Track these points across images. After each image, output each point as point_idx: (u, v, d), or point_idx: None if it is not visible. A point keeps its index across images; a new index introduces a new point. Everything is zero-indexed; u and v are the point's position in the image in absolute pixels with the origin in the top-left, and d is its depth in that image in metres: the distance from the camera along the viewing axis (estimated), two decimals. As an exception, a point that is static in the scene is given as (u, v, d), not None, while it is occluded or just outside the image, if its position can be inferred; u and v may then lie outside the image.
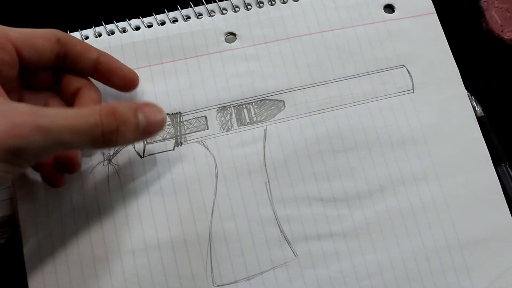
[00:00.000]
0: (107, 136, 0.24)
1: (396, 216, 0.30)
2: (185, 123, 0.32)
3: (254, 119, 0.32)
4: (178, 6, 0.34)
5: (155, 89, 0.32)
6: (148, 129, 0.25)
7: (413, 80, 0.33)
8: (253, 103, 0.32)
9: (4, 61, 0.25)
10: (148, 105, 0.26)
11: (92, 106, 0.25)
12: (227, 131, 0.32)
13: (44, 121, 0.22)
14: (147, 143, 0.31)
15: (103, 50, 0.32)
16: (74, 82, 0.29)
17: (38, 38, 0.27)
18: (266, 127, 0.32)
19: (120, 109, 0.24)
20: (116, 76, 0.30)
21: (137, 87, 0.30)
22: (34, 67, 0.27)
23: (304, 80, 0.33)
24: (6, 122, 0.21)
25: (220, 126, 0.32)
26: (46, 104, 0.28)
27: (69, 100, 0.29)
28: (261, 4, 0.34)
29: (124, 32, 0.33)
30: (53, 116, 0.22)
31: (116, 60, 0.30)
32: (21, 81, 0.28)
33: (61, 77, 0.29)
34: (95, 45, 0.32)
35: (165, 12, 0.34)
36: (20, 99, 0.28)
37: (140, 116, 0.25)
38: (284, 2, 0.34)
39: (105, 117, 0.23)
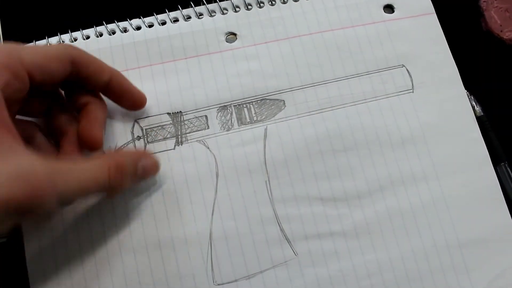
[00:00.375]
0: (111, 190, 0.26)
1: (395, 216, 0.30)
2: (185, 122, 0.32)
3: (255, 118, 0.32)
4: (179, 6, 0.34)
5: (156, 88, 0.32)
6: (143, 177, 0.28)
7: (413, 80, 0.33)
8: (254, 103, 0.32)
9: (16, 89, 0.24)
10: (146, 154, 0.29)
11: (102, 161, 0.25)
12: (227, 130, 0.32)
13: (61, 186, 0.22)
14: (148, 142, 0.31)
15: (104, 49, 0.32)
16: (82, 97, 0.29)
17: (52, 61, 0.26)
18: (267, 127, 0.32)
19: (126, 165, 0.26)
20: (126, 98, 0.30)
21: (144, 107, 0.31)
22: (41, 89, 0.27)
23: (304, 79, 0.33)
24: (25, 186, 0.21)
25: (220, 126, 0.32)
26: (32, 138, 0.28)
27: (74, 109, 0.29)
28: (261, 4, 0.34)
29: (125, 32, 0.33)
30: (68, 178, 0.23)
31: (127, 81, 0.30)
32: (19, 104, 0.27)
33: (69, 90, 0.29)
34: (96, 45, 0.33)
35: (166, 12, 0.34)
36: None
37: (139, 167, 0.27)
38: (284, 2, 0.35)
39: (113, 174, 0.25)
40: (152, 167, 0.29)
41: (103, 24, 0.33)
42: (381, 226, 0.30)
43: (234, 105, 0.32)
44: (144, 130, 0.31)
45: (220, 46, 0.33)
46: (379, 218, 0.30)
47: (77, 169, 0.24)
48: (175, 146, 0.31)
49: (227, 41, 0.33)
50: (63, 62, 0.26)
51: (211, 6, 0.34)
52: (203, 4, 0.34)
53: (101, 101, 0.29)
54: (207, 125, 0.32)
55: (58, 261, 0.29)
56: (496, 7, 0.37)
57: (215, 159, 0.31)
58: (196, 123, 0.32)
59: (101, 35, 0.33)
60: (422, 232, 0.30)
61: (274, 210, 0.30)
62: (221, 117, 0.32)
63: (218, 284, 0.29)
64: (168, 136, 0.31)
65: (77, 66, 0.27)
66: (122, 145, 0.31)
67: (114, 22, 0.33)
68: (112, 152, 0.30)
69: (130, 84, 0.30)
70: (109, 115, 0.31)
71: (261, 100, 0.32)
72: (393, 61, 0.33)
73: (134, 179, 0.27)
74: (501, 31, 0.36)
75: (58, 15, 0.37)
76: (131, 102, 0.30)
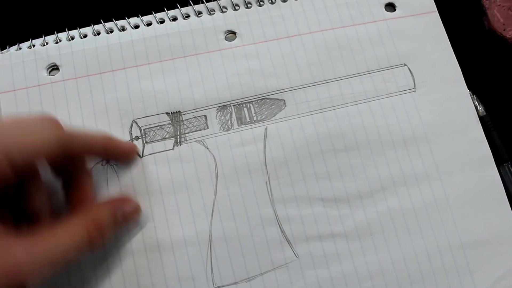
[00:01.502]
0: (91, 245, 0.26)
1: (397, 217, 0.30)
2: (184, 122, 0.31)
3: (255, 118, 0.32)
4: (178, 5, 0.34)
5: (154, 87, 0.32)
6: (123, 224, 0.28)
7: (415, 79, 0.33)
8: (254, 102, 0.32)
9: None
10: (124, 201, 0.29)
11: (79, 223, 0.25)
12: (227, 130, 0.31)
13: (39, 262, 0.23)
14: (146, 142, 0.31)
15: (101, 48, 0.32)
16: (68, 170, 0.28)
17: (39, 153, 0.23)
18: (267, 127, 0.31)
19: (103, 220, 0.26)
20: (117, 158, 0.30)
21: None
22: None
23: (305, 79, 0.32)
24: (5, 274, 0.22)
25: (220, 126, 0.31)
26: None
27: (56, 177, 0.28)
28: (261, 3, 0.34)
29: (123, 31, 0.33)
30: (45, 250, 0.23)
31: (118, 143, 0.30)
32: None
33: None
34: (93, 44, 0.32)
35: (165, 11, 0.34)
36: None
37: (118, 215, 0.27)
38: (284, 1, 0.34)
39: (92, 232, 0.25)
40: (132, 213, 0.29)
41: (101, 23, 0.33)
42: (382, 227, 0.30)
43: (233, 105, 0.32)
44: (142, 130, 0.31)
45: (219, 45, 0.33)
46: (381, 218, 0.30)
47: (54, 238, 0.24)
48: (174, 146, 0.31)
49: (226, 40, 0.33)
50: (50, 149, 0.24)
51: (210, 5, 0.34)
52: (202, 2, 0.34)
53: (87, 172, 0.29)
54: (206, 125, 0.31)
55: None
56: (499, 5, 0.36)
57: (215, 159, 0.31)
58: (195, 123, 0.31)
59: (98, 33, 0.33)
60: (424, 232, 0.30)
61: (274, 211, 0.30)
62: (221, 117, 0.31)
63: (218, 286, 0.29)
64: (167, 136, 0.31)
65: (65, 149, 0.25)
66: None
67: (112, 21, 0.33)
68: (89, 206, 0.28)
69: (120, 143, 0.30)
70: (107, 115, 0.31)
71: (261, 99, 0.32)
72: (395, 60, 0.33)
73: (114, 229, 0.28)
74: (504, 29, 0.36)
75: (56, 13, 0.36)
76: (121, 159, 0.30)
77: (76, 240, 0.25)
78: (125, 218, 0.28)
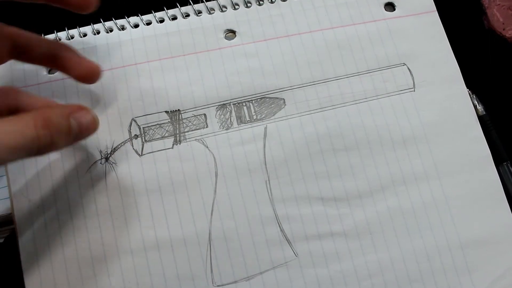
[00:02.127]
0: (42, 149, 0.24)
1: (397, 216, 0.30)
2: (184, 121, 0.31)
3: (254, 117, 0.32)
4: (177, 4, 0.34)
5: (153, 86, 0.32)
6: (79, 134, 0.26)
7: (414, 79, 0.33)
8: (253, 101, 0.32)
9: None
10: (80, 108, 0.26)
11: (28, 116, 0.24)
12: (226, 129, 0.31)
13: None
14: (146, 141, 0.31)
15: (100, 47, 0.32)
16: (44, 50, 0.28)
17: None
18: (266, 125, 0.31)
19: (54, 119, 0.24)
20: (74, 68, 0.29)
21: (98, 80, 0.29)
22: None
23: (305, 78, 0.32)
24: None
25: (219, 124, 0.31)
26: None
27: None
28: (261, 2, 0.34)
29: (123, 30, 0.33)
30: None
31: (73, 54, 0.29)
32: None
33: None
34: (93, 43, 0.32)
35: (164, 10, 0.34)
36: None
37: (73, 122, 0.25)
38: (284, 0, 0.34)
39: (41, 131, 0.23)
40: (89, 123, 0.26)
41: (101, 22, 0.33)
42: (382, 226, 0.30)
43: (233, 104, 0.32)
44: (141, 128, 0.31)
45: (219, 43, 0.33)
46: (380, 218, 0.30)
47: (1, 125, 0.23)
48: (173, 145, 0.31)
49: (226, 39, 0.33)
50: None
51: (210, 4, 0.34)
52: (202, 1, 0.34)
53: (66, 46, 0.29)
54: (206, 123, 0.31)
55: (54, 262, 0.28)
56: (499, 5, 0.37)
57: (214, 158, 0.31)
58: (195, 121, 0.31)
59: (98, 32, 0.33)
60: (424, 232, 0.30)
61: (274, 210, 0.30)
62: (220, 115, 0.31)
63: (218, 286, 0.29)
64: (166, 134, 0.31)
65: (10, 40, 0.26)
66: (118, 144, 0.31)
67: (112, 20, 0.33)
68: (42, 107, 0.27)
69: (76, 55, 0.29)
70: (106, 113, 0.31)
71: (261, 98, 0.32)
72: (394, 60, 0.33)
73: (68, 137, 0.25)
74: (504, 29, 0.36)
75: (54, 12, 0.36)
76: (81, 74, 0.29)
77: (24, 131, 0.23)
78: (81, 128, 0.26)
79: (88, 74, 0.29)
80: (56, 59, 0.29)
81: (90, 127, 0.26)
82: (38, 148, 0.24)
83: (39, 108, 0.26)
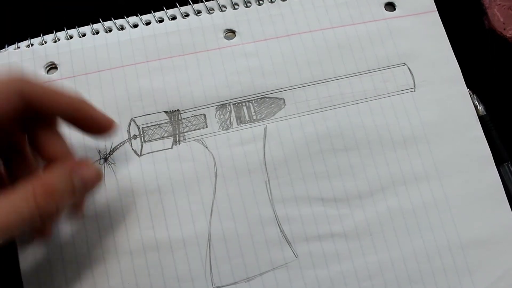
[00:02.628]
0: (46, 217, 0.22)
1: (397, 216, 0.30)
2: (183, 121, 0.31)
3: (254, 117, 0.31)
4: (177, 4, 0.34)
5: (152, 86, 0.32)
6: (84, 190, 0.24)
7: (415, 78, 0.33)
8: (253, 101, 0.32)
9: None
10: (81, 163, 0.24)
11: (24, 189, 0.21)
12: (226, 129, 0.31)
13: None
14: (145, 141, 0.31)
15: (100, 47, 0.32)
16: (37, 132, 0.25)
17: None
18: (266, 126, 0.31)
19: (55, 184, 0.22)
20: (88, 128, 0.26)
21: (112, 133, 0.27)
22: None
23: (305, 78, 0.32)
24: None
25: (219, 124, 0.31)
26: None
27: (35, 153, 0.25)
28: (260, 2, 0.34)
29: (122, 30, 0.33)
30: None
31: (93, 110, 0.25)
32: None
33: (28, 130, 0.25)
34: (92, 43, 0.32)
35: (164, 10, 0.34)
36: None
37: (76, 180, 0.23)
38: (284, 0, 0.34)
39: (42, 200, 0.21)
40: (92, 177, 0.24)
41: (100, 22, 0.33)
42: (382, 227, 0.30)
43: (233, 104, 0.32)
44: (140, 128, 0.31)
45: (218, 43, 0.33)
46: (380, 218, 0.30)
47: None
48: (172, 145, 0.31)
49: (225, 39, 0.33)
50: (10, 100, 0.22)
51: (210, 4, 0.34)
52: (201, 1, 0.34)
53: (57, 132, 0.26)
54: (206, 124, 0.31)
55: (52, 264, 0.28)
56: (499, 4, 0.36)
57: (214, 158, 0.30)
58: (194, 121, 0.31)
59: (97, 32, 0.33)
60: (424, 232, 0.30)
61: (274, 211, 0.30)
62: (220, 115, 0.31)
63: (217, 287, 0.29)
64: (166, 135, 0.31)
65: (28, 99, 0.23)
66: (117, 144, 0.31)
67: (111, 20, 0.33)
68: (39, 174, 0.25)
69: (94, 111, 0.25)
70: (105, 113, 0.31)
71: (261, 98, 0.32)
72: (395, 60, 0.33)
73: (72, 196, 0.23)
74: (504, 29, 0.36)
75: (53, 12, 0.36)
76: (96, 130, 0.26)
77: (20, 207, 0.21)
78: (85, 184, 0.24)
79: (104, 131, 0.26)
80: (70, 119, 0.25)
81: (95, 180, 0.25)
82: (41, 217, 0.22)
83: (37, 176, 0.23)
